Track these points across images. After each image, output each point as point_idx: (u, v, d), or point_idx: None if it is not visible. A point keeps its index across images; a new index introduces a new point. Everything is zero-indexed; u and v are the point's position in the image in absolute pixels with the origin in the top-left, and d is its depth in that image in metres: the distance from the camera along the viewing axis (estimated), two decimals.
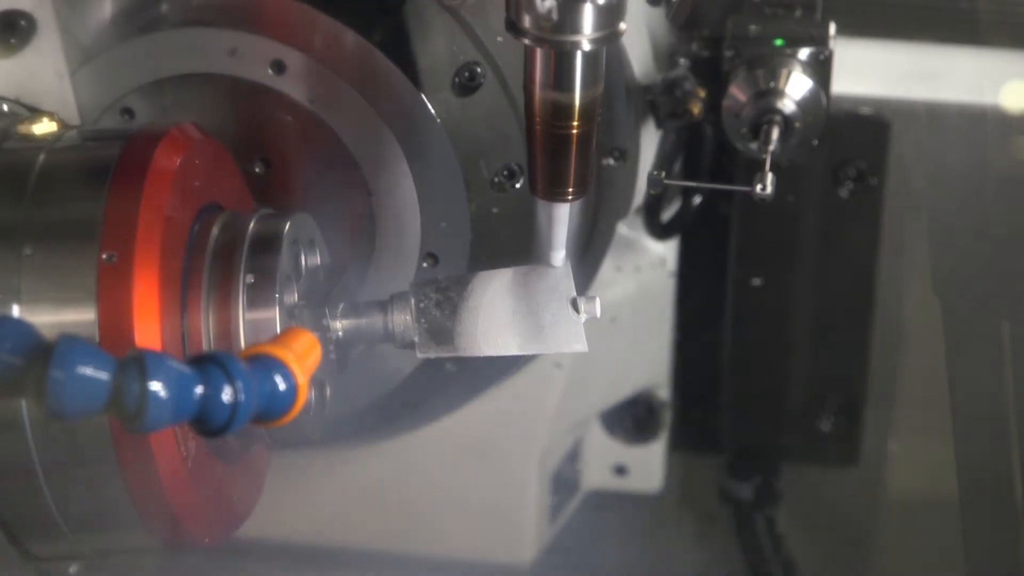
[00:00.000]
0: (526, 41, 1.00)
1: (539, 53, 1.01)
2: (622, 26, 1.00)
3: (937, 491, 1.73)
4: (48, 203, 1.07)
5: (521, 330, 1.16)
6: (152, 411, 0.82)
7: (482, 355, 1.16)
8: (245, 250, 1.12)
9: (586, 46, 0.98)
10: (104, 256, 1.03)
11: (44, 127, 1.14)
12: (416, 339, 1.16)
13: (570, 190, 1.09)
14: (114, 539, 1.12)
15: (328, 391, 1.16)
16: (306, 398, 0.93)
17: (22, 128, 1.13)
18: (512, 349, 1.16)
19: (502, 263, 1.31)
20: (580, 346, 1.16)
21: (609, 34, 0.99)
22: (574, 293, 1.17)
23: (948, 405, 1.63)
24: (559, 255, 1.16)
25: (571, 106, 1.03)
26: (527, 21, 0.98)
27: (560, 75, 1.02)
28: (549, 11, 0.96)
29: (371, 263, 1.34)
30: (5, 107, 1.24)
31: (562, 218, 1.12)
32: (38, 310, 1.03)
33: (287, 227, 1.14)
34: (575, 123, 1.04)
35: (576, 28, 0.98)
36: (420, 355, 1.16)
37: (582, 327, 1.17)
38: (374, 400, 1.41)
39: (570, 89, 1.02)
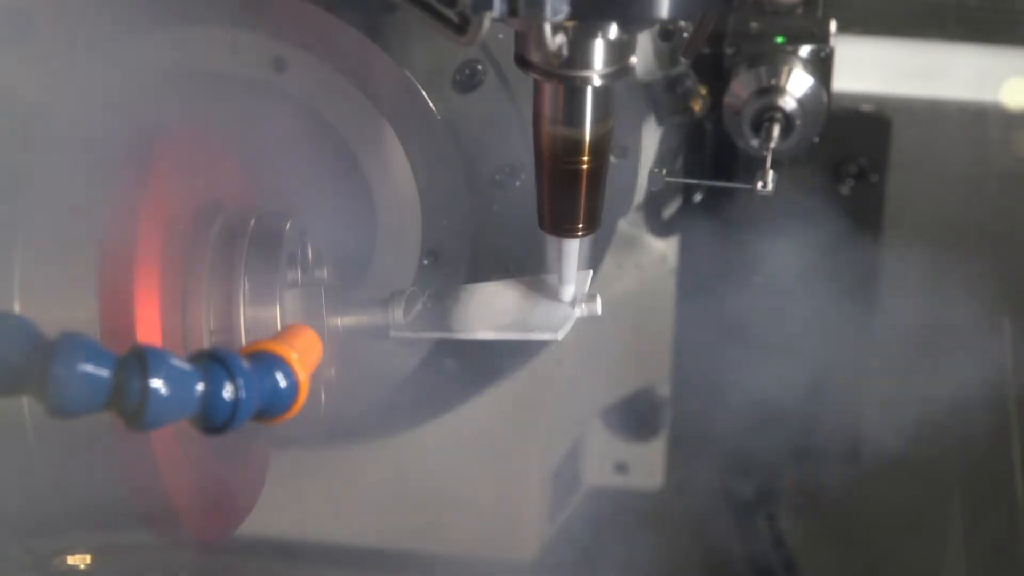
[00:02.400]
0: (535, 76, 0.98)
1: (548, 88, 1.00)
2: (633, 60, 0.99)
3: (938, 489, 1.73)
4: (49, 199, 1.07)
5: (502, 316, 1.15)
6: (153, 408, 0.82)
7: (456, 337, 1.15)
8: (246, 248, 1.12)
9: (596, 81, 0.97)
10: (105, 253, 1.03)
11: None
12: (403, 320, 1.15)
13: (580, 226, 1.08)
14: (115, 536, 1.12)
15: (323, 394, 1.16)
16: (307, 396, 0.93)
17: None
18: (488, 332, 1.14)
19: (503, 261, 1.32)
20: (552, 334, 1.14)
21: (620, 69, 0.98)
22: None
23: (949, 402, 1.63)
24: (568, 290, 1.15)
25: (581, 141, 1.02)
26: (536, 56, 0.96)
27: (570, 110, 1.00)
28: (560, 47, 0.93)
29: (372, 260, 1.34)
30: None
31: (571, 253, 1.11)
32: (39, 307, 1.03)
33: (288, 225, 1.14)
34: (585, 158, 1.02)
35: (587, 63, 0.97)
36: (393, 335, 1.15)
37: (565, 317, 1.15)
38: (375, 398, 1.41)
39: (580, 124, 1.01)
